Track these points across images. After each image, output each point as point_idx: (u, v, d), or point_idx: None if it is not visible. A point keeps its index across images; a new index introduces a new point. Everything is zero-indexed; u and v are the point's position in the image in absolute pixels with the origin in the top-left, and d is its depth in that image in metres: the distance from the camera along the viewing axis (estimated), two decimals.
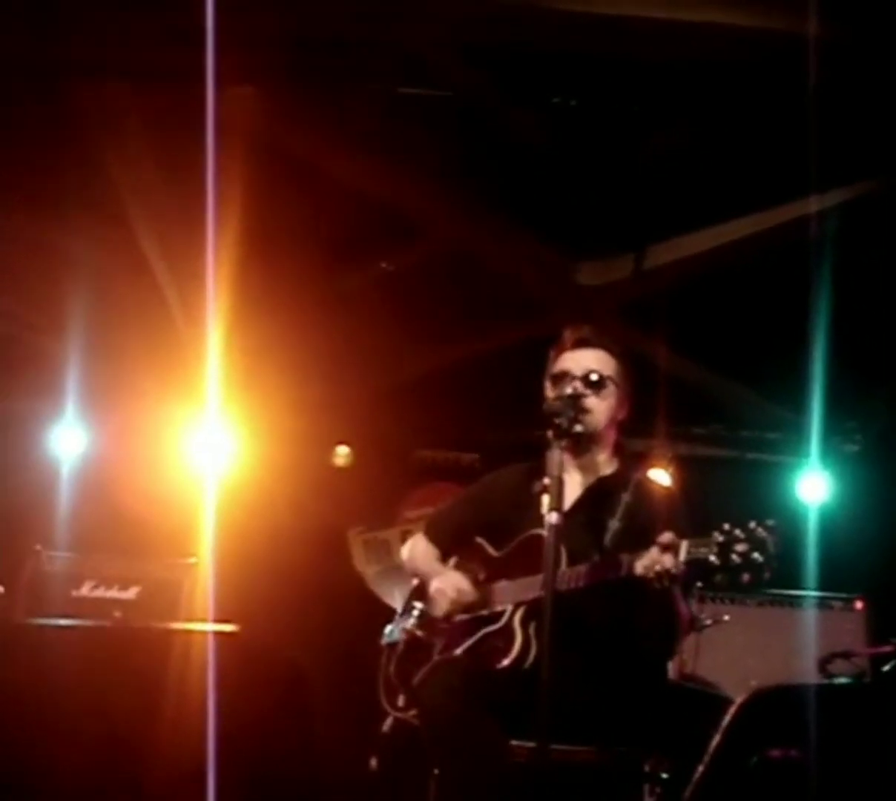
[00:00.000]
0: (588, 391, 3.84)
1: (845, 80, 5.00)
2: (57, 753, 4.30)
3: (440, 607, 3.93)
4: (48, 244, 6.50)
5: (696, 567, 3.38)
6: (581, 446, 3.84)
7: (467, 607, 3.89)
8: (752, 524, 3.30)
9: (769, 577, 3.29)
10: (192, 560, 6.26)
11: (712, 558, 3.32)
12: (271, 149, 5.78)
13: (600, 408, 3.87)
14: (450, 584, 3.93)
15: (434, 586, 3.97)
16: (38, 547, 6.29)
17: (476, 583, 3.94)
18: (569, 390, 3.81)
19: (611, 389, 3.90)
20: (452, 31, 5.12)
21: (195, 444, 7.50)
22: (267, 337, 6.91)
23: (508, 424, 7.37)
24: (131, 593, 6.11)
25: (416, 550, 4.21)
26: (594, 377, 3.87)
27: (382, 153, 5.99)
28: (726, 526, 3.33)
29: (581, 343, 3.94)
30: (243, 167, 5.55)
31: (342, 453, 8.06)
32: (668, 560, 3.39)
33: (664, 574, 3.40)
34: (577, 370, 3.88)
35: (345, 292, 7.09)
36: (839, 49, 4.81)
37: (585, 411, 3.77)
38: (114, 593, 6.10)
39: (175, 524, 6.76)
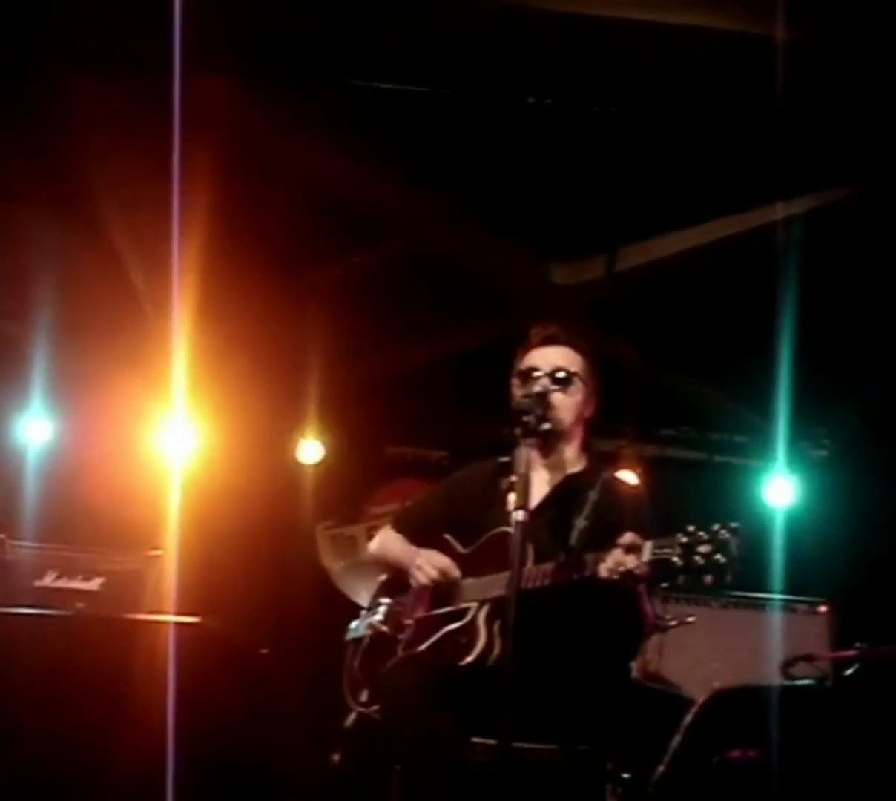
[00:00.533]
0: (555, 388, 3.85)
1: (815, 86, 5.03)
2: (13, 743, 4.27)
3: (426, 575, 3.88)
4: (16, 231, 6.45)
5: (659, 568, 3.38)
6: (549, 443, 3.84)
7: (452, 580, 3.86)
8: (716, 526, 3.31)
9: (731, 579, 3.29)
10: (157, 553, 6.23)
11: (675, 559, 3.32)
12: (243, 142, 5.75)
13: (567, 405, 3.87)
14: (437, 559, 3.90)
15: (419, 561, 3.92)
16: (1, 536, 6.24)
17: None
18: (536, 388, 3.81)
19: (578, 385, 3.91)
20: (427, 29, 5.12)
21: (162, 436, 7.47)
22: (236, 330, 6.89)
23: (478, 421, 7.35)
24: (95, 585, 6.07)
25: (386, 539, 4.20)
26: (561, 374, 3.88)
27: (355, 149, 5.97)
28: (690, 528, 3.34)
29: (548, 340, 3.95)
30: (214, 159, 5.52)
31: (311, 448, 8.04)
32: (631, 561, 3.40)
33: (627, 575, 3.41)
34: (545, 367, 3.89)
35: (315, 287, 7.07)
36: (809, 54, 4.84)
37: (553, 408, 3.77)
38: (77, 584, 6.06)
39: (140, 516, 6.72)
